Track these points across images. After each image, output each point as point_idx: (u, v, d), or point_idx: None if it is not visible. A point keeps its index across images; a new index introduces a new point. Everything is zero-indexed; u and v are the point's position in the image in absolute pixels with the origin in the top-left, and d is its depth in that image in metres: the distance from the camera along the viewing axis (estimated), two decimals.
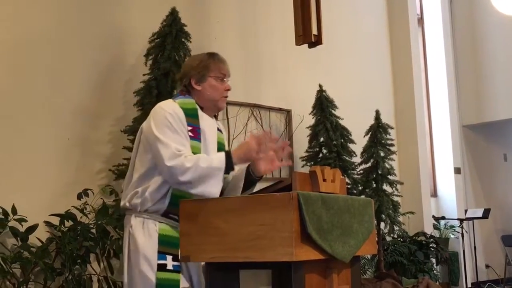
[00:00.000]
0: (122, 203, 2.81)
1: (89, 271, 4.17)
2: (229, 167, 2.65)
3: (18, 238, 3.93)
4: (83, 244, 4.03)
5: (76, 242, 3.96)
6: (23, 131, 4.19)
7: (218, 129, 2.95)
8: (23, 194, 4.06)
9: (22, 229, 3.95)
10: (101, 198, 4.40)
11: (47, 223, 4.15)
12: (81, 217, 4.19)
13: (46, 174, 4.26)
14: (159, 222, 2.68)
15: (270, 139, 2.73)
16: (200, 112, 2.82)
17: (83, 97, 4.56)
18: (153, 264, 2.62)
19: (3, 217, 3.86)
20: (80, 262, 4.05)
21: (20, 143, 4.16)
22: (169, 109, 2.72)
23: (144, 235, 2.67)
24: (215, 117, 3.03)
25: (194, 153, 2.68)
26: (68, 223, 4.13)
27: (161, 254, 2.64)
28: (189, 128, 2.73)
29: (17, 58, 4.24)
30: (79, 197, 4.21)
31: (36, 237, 4.02)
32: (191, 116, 2.76)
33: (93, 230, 4.15)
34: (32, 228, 3.98)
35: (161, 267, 2.62)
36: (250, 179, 2.77)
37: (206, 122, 2.83)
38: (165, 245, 2.65)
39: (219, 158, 2.63)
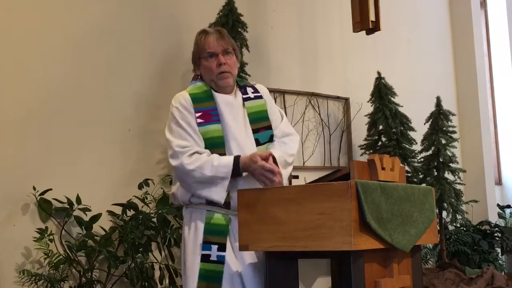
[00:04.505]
0: (171, 200, 2.87)
1: (151, 259, 4.25)
2: (235, 174, 2.59)
3: (83, 227, 4.05)
4: (144, 233, 4.11)
5: (138, 231, 4.04)
6: (85, 123, 4.28)
7: (251, 98, 2.83)
8: (86, 184, 4.17)
9: (86, 218, 4.07)
10: (161, 188, 4.48)
11: (110, 213, 4.25)
12: (142, 207, 4.27)
13: (108, 164, 4.35)
14: (207, 210, 2.67)
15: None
16: (214, 92, 2.77)
17: (142, 88, 4.63)
18: (197, 255, 2.64)
19: (68, 206, 3.99)
20: (142, 251, 4.14)
21: (83, 135, 4.26)
22: (176, 103, 2.74)
23: (190, 226, 2.70)
24: (253, 87, 2.90)
25: (214, 137, 2.65)
26: (130, 213, 4.23)
27: (206, 244, 2.63)
28: (199, 114, 2.69)
29: (79, 51, 4.33)
30: (140, 187, 4.29)
31: (100, 226, 4.14)
32: (200, 101, 2.73)
33: (154, 219, 4.23)
34: (95, 217, 4.09)
35: (205, 258, 2.62)
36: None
37: (221, 99, 2.76)
38: (211, 234, 2.64)
39: (227, 167, 2.57)
